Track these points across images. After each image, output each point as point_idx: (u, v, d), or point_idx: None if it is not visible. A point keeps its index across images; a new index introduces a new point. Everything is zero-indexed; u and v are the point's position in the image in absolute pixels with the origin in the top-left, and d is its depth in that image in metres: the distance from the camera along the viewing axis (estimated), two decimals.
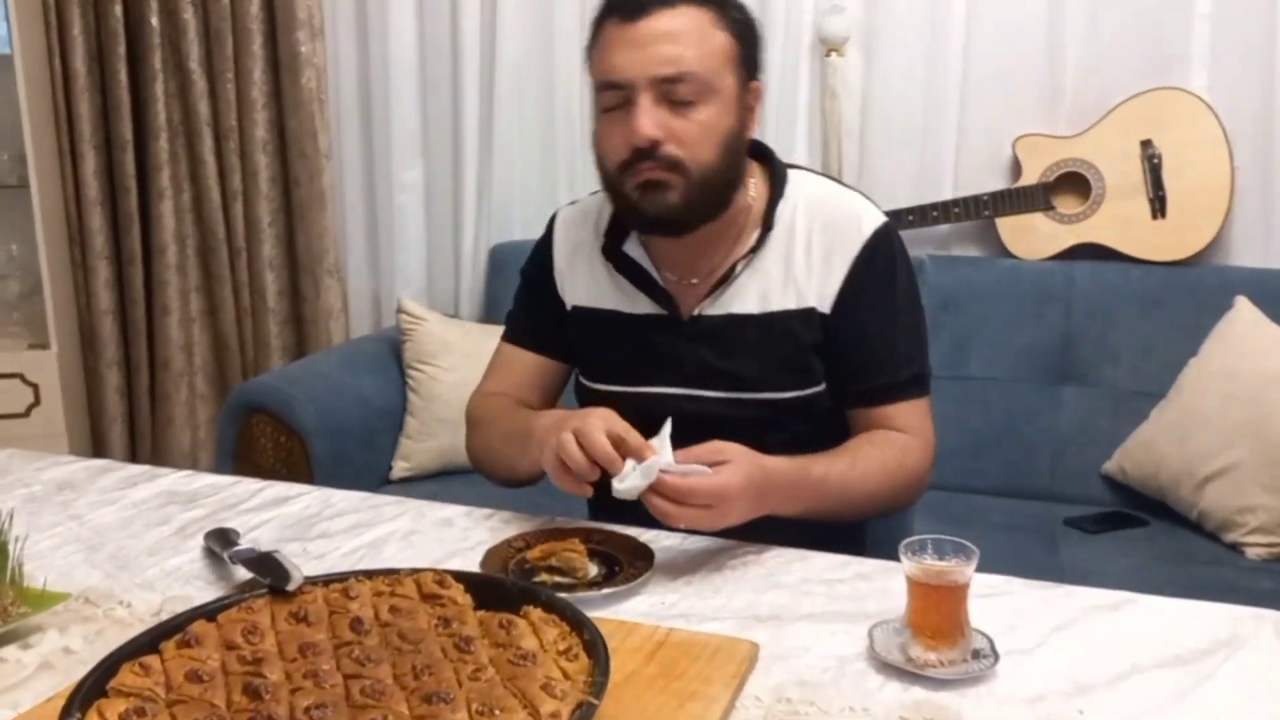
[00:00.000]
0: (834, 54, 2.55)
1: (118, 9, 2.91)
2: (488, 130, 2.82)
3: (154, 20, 2.89)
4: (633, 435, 1.15)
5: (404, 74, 2.87)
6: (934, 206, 2.51)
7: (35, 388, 2.95)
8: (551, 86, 2.79)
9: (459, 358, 2.50)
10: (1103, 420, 2.36)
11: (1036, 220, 2.49)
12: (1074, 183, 2.48)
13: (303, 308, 3.01)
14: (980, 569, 0.98)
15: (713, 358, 1.36)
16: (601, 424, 1.16)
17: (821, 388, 1.38)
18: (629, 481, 1.13)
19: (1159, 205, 2.41)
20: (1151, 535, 2.17)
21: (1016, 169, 2.52)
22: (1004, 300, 2.43)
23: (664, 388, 1.38)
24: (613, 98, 1.27)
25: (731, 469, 1.14)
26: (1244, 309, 2.22)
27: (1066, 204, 2.48)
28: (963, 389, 2.41)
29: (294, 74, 2.86)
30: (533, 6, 2.76)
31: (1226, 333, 2.22)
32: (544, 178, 2.86)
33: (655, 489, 1.12)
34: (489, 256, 2.87)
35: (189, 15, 2.88)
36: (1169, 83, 2.40)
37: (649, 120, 1.24)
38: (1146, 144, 2.41)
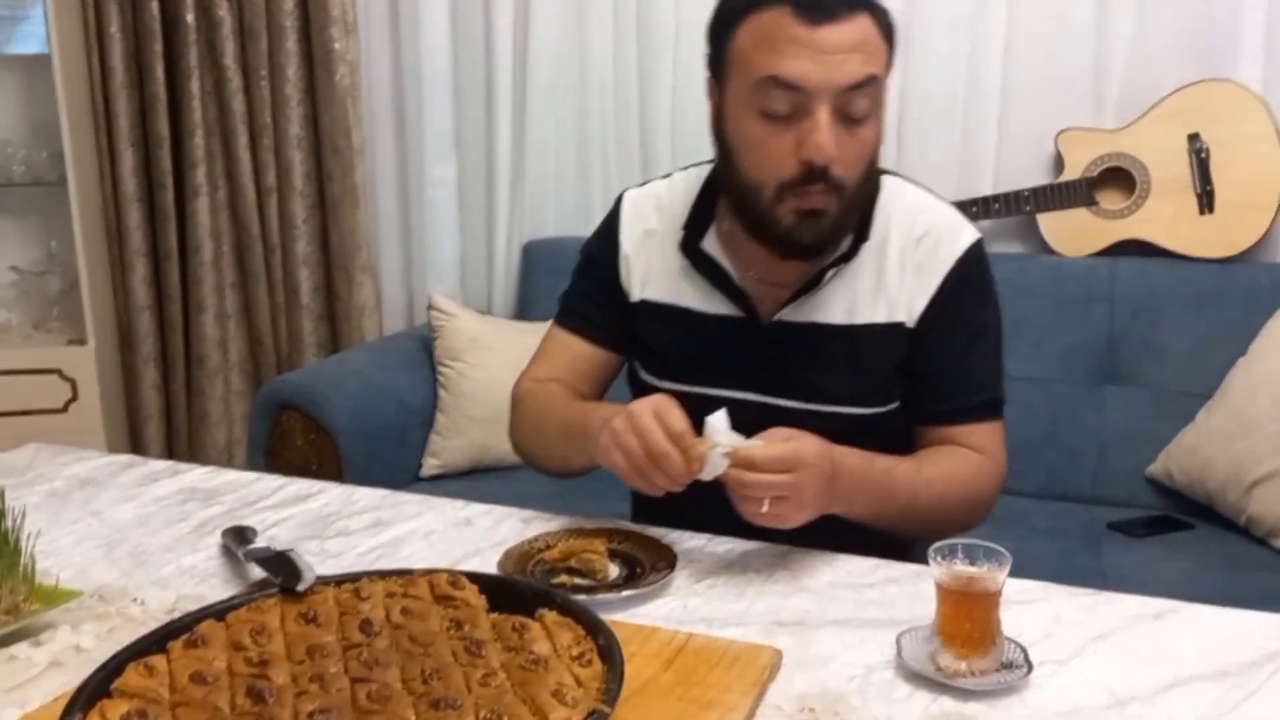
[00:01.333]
0: None
1: (154, 7, 2.92)
2: (521, 125, 2.80)
3: (190, 18, 2.90)
4: (683, 426, 1.10)
5: (437, 69, 2.86)
6: (974, 202, 2.45)
7: (73, 383, 2.98)
8: (586, 81, 2.76)
9: (490, 354, 2.48)
10: (1147, 422, 2.29)
11: (1079, 216, 2.42)
12: (1118, 178, 2.41)
13: (336, 304, 3.02)
14: (1022, 574, 0.95)
15: (792, 366, 1.30)
16: (655, 420, 1.10)
17: (897, 405, 1.33)
18: (704, 470, 1.09)
19: (1207, 201, 2.34)
20: (1198, 540, 2.10)
21: (1059, 164, 2.46)
22: (1046, 298, 2.37)
23: (735, 391, 1.31)
24: (782, 100, 1.15)
25: (801, 439, 1.11)
26: None
27: (1110, 199, 2.42)
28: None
29: (328, 70, 2.86)
30: (566, 2, 2.74)
31: (1277, 332, 2.15)
32: (578, 173, 2.83)
33: (731, 461, 1.08)
34: (522, 253, 2.85)
35: (224, 12, 2.88)
36: (1218, 74, 2.33)
37: (831, 138, 1.15)
38: (1194, 138, 2.34)
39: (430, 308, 2.57)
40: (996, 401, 1.33)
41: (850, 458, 1.17)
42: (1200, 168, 2.34)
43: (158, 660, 0.85)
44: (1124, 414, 2.33)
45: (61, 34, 2.85)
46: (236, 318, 3.10)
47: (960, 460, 1.28)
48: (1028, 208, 2.44)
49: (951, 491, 1.26)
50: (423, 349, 2.61)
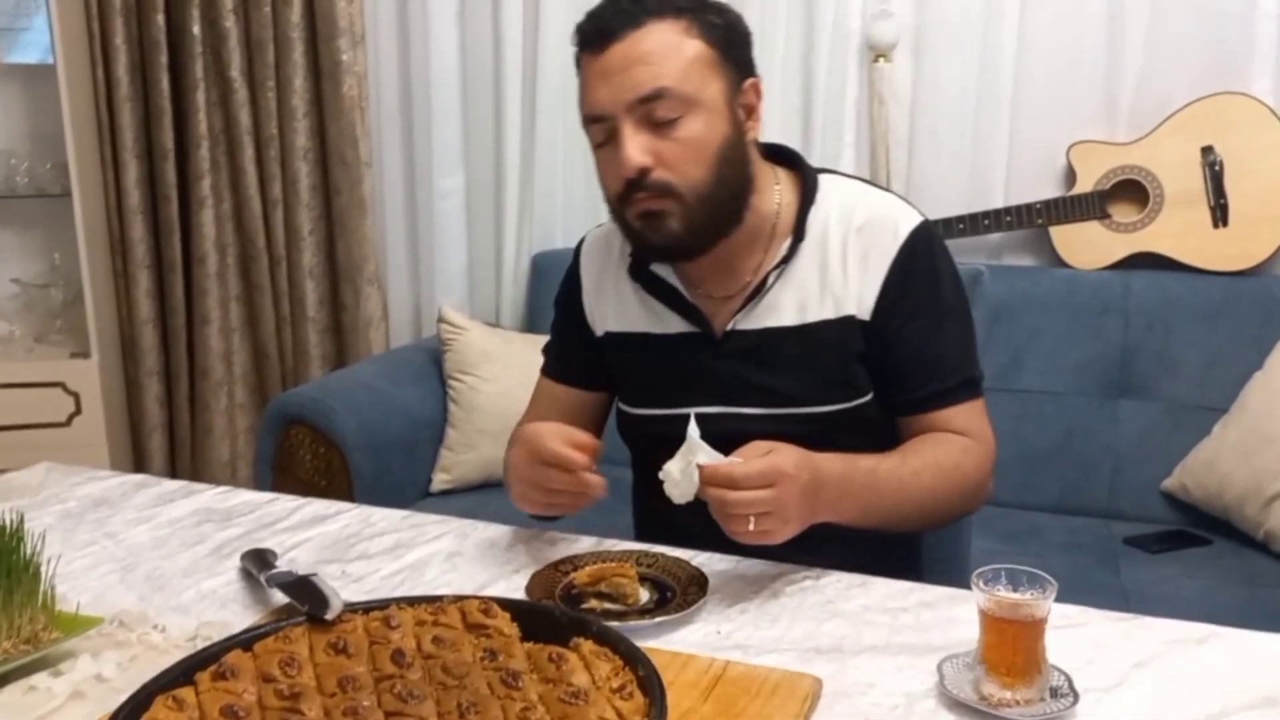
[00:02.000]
0: (882, 59, 2.49)
1: (160, 18, 2.91)
2: (530, 137, 2.78)
3: (196, 29, 2.89)
4: (579, 434, 1.17)
5: (445, 81, 2.84)
6: (985, 215, 2.44)
7: (76, 396, 2.95)
8: None
9: (500, 368, 2.46)
10: (1162, 435, 2.28)
11: (1091, 229, 2.41)
12: (1131, 190, 2.40)
13: (343, 316, 2.99)
14: None
15: (750, 373, 1.31)
16: (551, 433, 1.16)
17: (868, 398, 1.32)
18: (680, 487, 1.09)
19: (1220, 214, 2.33)
20: (1216, 555, 2.09)
21: (1071, 177, 2.45)
22: (1059, 311, 2.36)
23: (701, 407, 1.30)
24: (599, 132, 1.24)
25: (780, 451, 1.10)
26: None
27: (1123, 212, 2.41)
28: (1018, 402, 2.34)
29: (335, 82, 2.84)
30: (576, 12, 2.71)
31: None
32: (587, 185, 2.81)
33: (707, 480, 1.07)
34: (531, 265, 2.83)
35: (230, 24, 2.87)
36: (1231, 87, 2.32)
37: (634, 148, 1.20)
38: (1207, 150, 2.33)
39: (440, 321, 2.55)
40: (973, 380, 1.32)
41: (831, 463, 1.16)
42: (1214, 180, 2.33)
43: (185, 693, 0.82)
44: (1138, 427, 2.31)
45: (66, 44, 2.84)
46: (241, 330, 3.08)
47: (944, 446, 1.27)
48: (1040, 220, 2.43)
49: (940, 480, 1.25)
50: (431, 362, 2.59)
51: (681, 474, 1.09)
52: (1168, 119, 2.36)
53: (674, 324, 1.35)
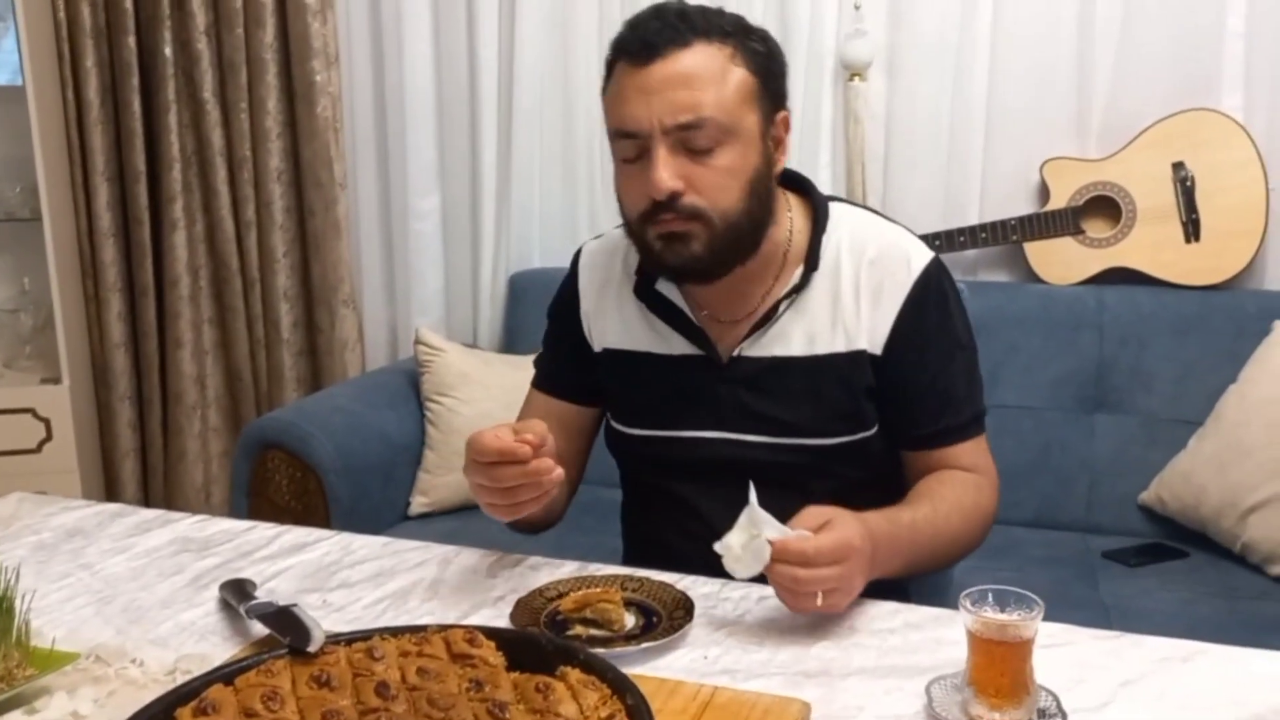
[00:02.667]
0: (857, 78, 2.51)
1: (131, 40, 2.89)
2: (506, 157, 2.78)
3: (168, 51, 2.87)
4: (520, 425, 1.14)
5: (420, 101, 2.83)
6: (961, 231, 2.45)
7: (47, 422, 2.91)
8: (571, 113, 2.75)
9: (478, 389, 2.45)
10: (1138, 449, 2.29)
11: (1066, 245, 2.43)
12: (1104, 206, 2.42)
13: (318, 339, 2.97)
14: None
15: (755, 401, 1.30)
16: (489, 434, 1.12)
17: (871, 432, 1.32)
18: (742, 563, 1.05)
19: (1192, 228, 2.35)
20: (1194, 568, 2.10)
21: (1044, 193, 2.47)
22: (1035, 326, 2.37)
23: (701, 431, 1.32)
24: (628, 148, 1.21)
25: (843, 522, 1.08)
26: None
27: (1096, 228, 2.43)
28: (994, 418, 2.28)
29: (309, 103, 2.83)
30: (550, 33, 2.73)
31: (1267, 358, 2.16)
32: (564, 204, 2.81)
33: (779, 556, 1.04)
34: (508, 285, 2.82)
35: (203, 46, 2.85)
36: (1201, 103, 2.35)
37: (667, 172, 1.18)
38: (1179, 166, 2.36)
39: (417, 342, 2.53)
40: (980, 415, 1.33)
41: (881, 524, 1.15)
42: (1185, 196, 2.35)
43: None
44: (1115, 441, 2.33)
45: (35, 66, 2.81)
46: (214, 353, 3.05)
47: (964, 487, 1.28)
48: (1014, 237, 2.45)
49: (965, 522, 1.26)
50: (408, 384, 2.57)
51: (744, 549, 1.05)
52: (1139, 135, 2.39)
53: (677, 345, 1.33)
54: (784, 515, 1.27)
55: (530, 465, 1.11)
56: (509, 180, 2.78)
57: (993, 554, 2.14)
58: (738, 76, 1.20)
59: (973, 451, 1.31)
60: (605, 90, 1.26)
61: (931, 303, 1.29)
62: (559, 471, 1.13)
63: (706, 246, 1.22)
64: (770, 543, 1.05)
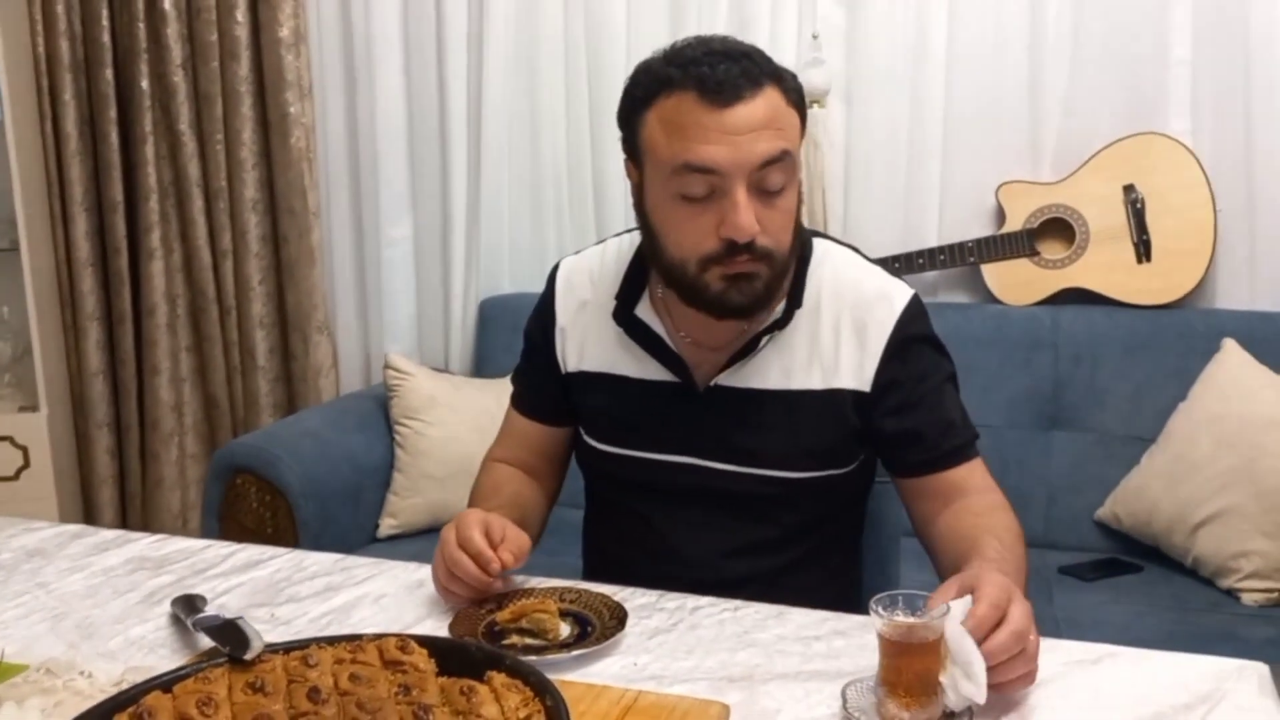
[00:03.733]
0: (815, 105, 2.56)
1: (109, 74, 2.94)
2: (475, 185, 2.83)
3: (145, 84, 2.92)
4: (509, 533, 1.20)
5: (392, 132, 2.89)
6: (920, 254, 2.51)
7: (25, 450, 2.94)
8: (539, 140, 2.81)
9: (446, 412, 2.49)
10: (1094, 466, 2.34)
11: (1021, 266, 2.49)
12: (1058, 228, 2.48)
13: (293, 365, 3.01)
14: None
15: (730, 431, 1.31)
16: (477, 522, 1.19)
17: (846, 470, 1.34)
18: (966, 688, 0.93)
19: (1143, 249, 2.41)
20: (1147, 582, 2.14)
21: (1000, 216, 2.52)
22: (991, 346, 2.42)
23: (673, 456, 1.33)
24: (699, 184, 1.18)
25: (994, 583, 1.00)
26: (1232, 352, 2.22)
27: (1051, 249, 2.48)
28: None
29: (283, 134, 2.88)
30: (519, 63, 2.79)
31: (1215, 376, 2.21)
32: (533, 230, 2.86)
33: (980, 633, 0.95)
34: (479, 310, 2.87)
35: (179, 79, 2.90)
36: (1149, 128, 2.41)
37: (749, 216, 1.17)
38: (1129, 189, 2.42)
39: (386, 367, 2.58)
40: (976, 437, 1.34)
41: (996, 575, 1.04)
42: (1136, 217, 2.41)
43: None
44: (1070, 459, 2.37)
45: (14, 98, 2.86)
46: (191, 380, 3.08)
47: (999, 514, 1.26)
48: (971, 259, 2.50)
49: (1020, 544, 1.22)
50: (378, 408, 2.61)
51: (965, 675, 0.94)
52: (1090, 159, 2.45)
53: (654, 371, 1.34)
54: (755, 545, 1.31)
55: (482, 581, 1.17)
56: (479, 208, 2.83)
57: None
58: (793, 117, 1.22)
59: (980, 471, 1.31)
60: (647, 119, 1.22)
61: (917, 334, 1.31)
62: (497, 585, 1.20)
63: (766, 285, 1.23)
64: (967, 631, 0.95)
